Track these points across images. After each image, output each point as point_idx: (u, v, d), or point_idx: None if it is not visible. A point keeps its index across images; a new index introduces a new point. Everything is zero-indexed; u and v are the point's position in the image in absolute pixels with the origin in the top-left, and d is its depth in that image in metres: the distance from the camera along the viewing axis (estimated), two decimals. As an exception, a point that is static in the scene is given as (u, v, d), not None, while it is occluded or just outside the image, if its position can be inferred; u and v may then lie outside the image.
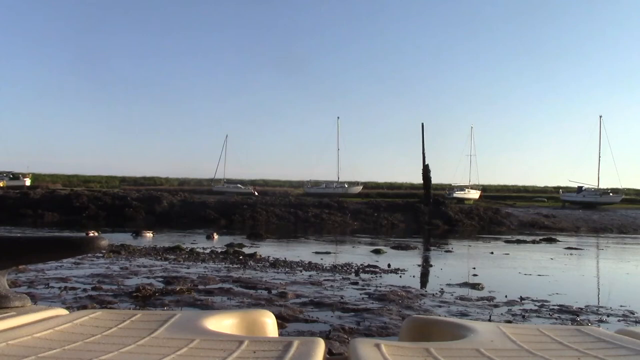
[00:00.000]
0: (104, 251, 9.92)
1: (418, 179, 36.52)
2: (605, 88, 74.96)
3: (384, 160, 75.40)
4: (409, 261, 11.12)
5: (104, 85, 78.68)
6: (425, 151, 35.10)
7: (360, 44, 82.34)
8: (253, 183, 48.67)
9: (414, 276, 8.87)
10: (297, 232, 21.81)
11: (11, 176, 43.63)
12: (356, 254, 12.76)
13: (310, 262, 10.05)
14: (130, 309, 5.13)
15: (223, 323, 1.30)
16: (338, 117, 51.05)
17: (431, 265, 10.74)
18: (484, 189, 46.46)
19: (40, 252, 1.48)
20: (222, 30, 78.02)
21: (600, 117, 46.38)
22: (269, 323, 1.39)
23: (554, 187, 50.53)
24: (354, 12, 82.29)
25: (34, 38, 75.81)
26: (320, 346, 1.07)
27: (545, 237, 19.38)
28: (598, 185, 44.18)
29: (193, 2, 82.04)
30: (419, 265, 10.74)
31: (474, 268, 10.18)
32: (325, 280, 7.90)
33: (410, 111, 76.59)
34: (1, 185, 39.56)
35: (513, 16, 78.82)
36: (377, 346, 1.09)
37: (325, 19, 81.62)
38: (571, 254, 13.99)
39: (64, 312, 1.39)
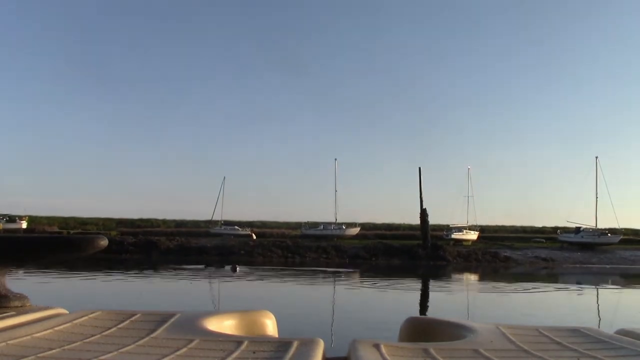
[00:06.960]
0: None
1: (416, 220, 36.41)
2: (600, 129, 75.87)
3: (382, 201, 75.23)
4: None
5: (100, 126, 79.13)
6: (423, 193, 35.27)
7: (356, 84, 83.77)
8: (250, 225, 48.38)
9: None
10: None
11: (7, 219, 43.31)
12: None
13: None
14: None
15: (223, 323, 1.29)
16: (336, 159, 50.99)
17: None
18: (482, 229, 46.22)
19: (40, 252, 1.47)
20: (215, 71, 79.26)
21: (597, 158, 46.60)
22: (268, 323, 1.38)
23: (552, 228, 50.31)
24: (349, 48, 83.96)
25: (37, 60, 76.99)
26: (320, 346, 1.07)
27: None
28: (596, 226, 44.04)
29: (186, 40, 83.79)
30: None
31: None
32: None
33: (408, 150, 77.02)
34: (-2, 229, 39.32)
35: (508, 53, 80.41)
36: (377, 346, 1.09)
37: (323, 54, 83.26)
38: None
39: (63, 312, 1.37)
